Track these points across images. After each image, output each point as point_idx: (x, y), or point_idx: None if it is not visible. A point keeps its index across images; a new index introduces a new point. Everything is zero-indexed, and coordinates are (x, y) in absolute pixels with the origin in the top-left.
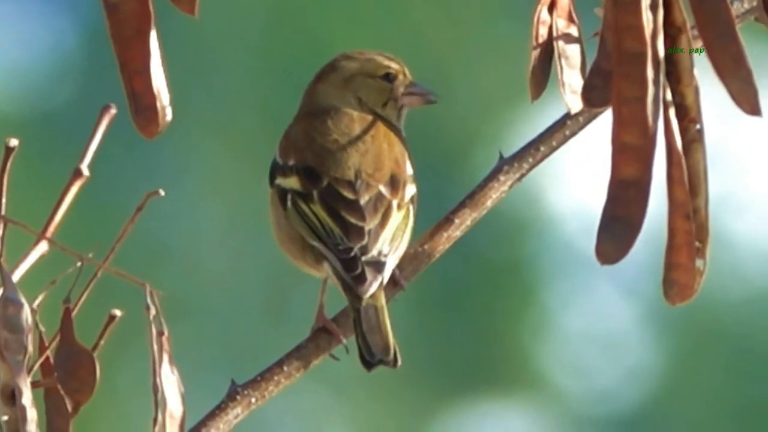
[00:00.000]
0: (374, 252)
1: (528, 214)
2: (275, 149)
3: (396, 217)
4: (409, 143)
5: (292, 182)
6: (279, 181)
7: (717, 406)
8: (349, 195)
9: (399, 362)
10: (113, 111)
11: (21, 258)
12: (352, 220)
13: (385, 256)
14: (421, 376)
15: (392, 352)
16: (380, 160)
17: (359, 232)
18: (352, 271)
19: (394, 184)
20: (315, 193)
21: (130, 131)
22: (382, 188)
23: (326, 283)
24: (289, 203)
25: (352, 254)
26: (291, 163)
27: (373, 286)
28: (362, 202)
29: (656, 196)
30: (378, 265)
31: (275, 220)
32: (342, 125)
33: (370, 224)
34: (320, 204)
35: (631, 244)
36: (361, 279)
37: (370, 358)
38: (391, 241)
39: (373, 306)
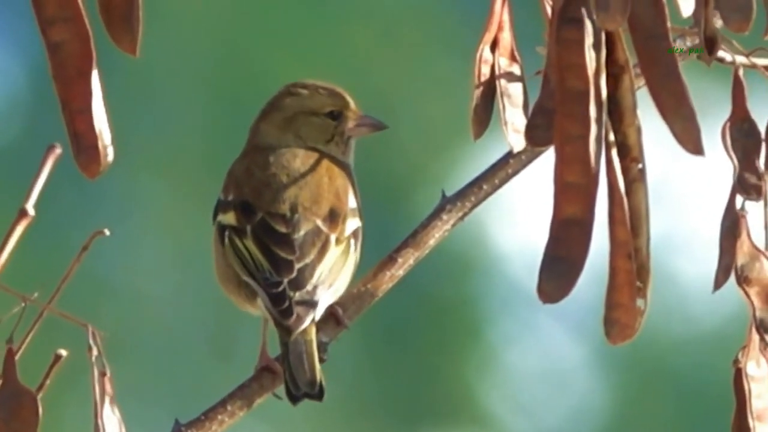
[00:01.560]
0: (309, 287)
1: (472, 253)
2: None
3: (334, 251)
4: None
5: (229, 218)
6: (220, 217)
7: None
8: (281, 229)
9: (324, 396)
10: (58, 151)
11: None
12: (282, 254)
13: (318, 292)
14: (367, 414)
15: (317, 385)
16: (319, 193)
17: (288, 266)
18: (279, 305)
19: (333, 217)
20: (248, 228)
21: (74, 169)
22: (320, 222)
23: (266, 324)
24: (226, 239)
25: (281, 288)
26: (230, 198)
27: (305, 321)
28: (296, 236)
29: (600, 235)
30: (311, 302)
31: (215, 258)
32: (283, 160)
33: (305, 259)
34: (252, 239)
35: (573, 284)
36: (287, 313)
37: (295, 391)
38: (327, 276)
39: (302, 340)
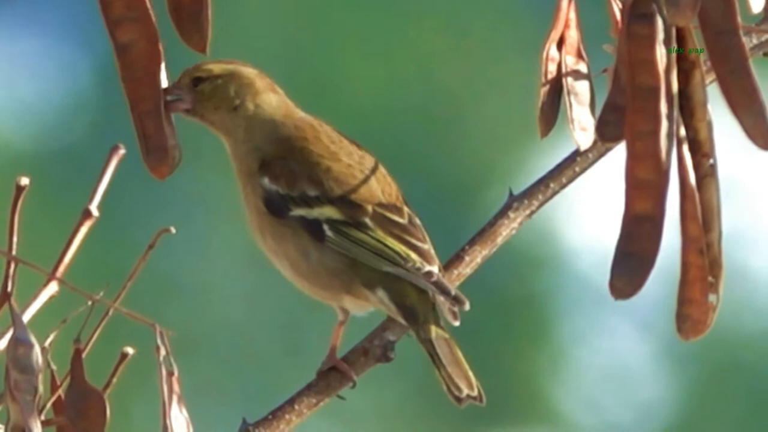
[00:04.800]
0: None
1: (540, 250)
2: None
3: None
4: (422, 179)
5: (328, 211)
6: (300, 212)
7: None
8: (398, 218)
9: (484, 398)
10: (122, 151)
11: (31, 298)
12: (419, 244)
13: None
14: (437, 411)
15: (476, 386)
16: (385, 178)
17: (429, 254)
18: (447, 293)
19: (406, 203)
20: (367, 221)
21: (140, 167)
22: (406, 208)
23: (343, 324)
24: (329, 232)
25: (435, 278)
26: (314, 193)
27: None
28: (410, 224)
29: (669, 230)
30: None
31: (300, 252)
32: (338, 144)
33: (430, 246)
34: (381, 230)
35: (645, 279)
36: (459, 299)
37: (458, 393)
38: None
39: (443, 339)
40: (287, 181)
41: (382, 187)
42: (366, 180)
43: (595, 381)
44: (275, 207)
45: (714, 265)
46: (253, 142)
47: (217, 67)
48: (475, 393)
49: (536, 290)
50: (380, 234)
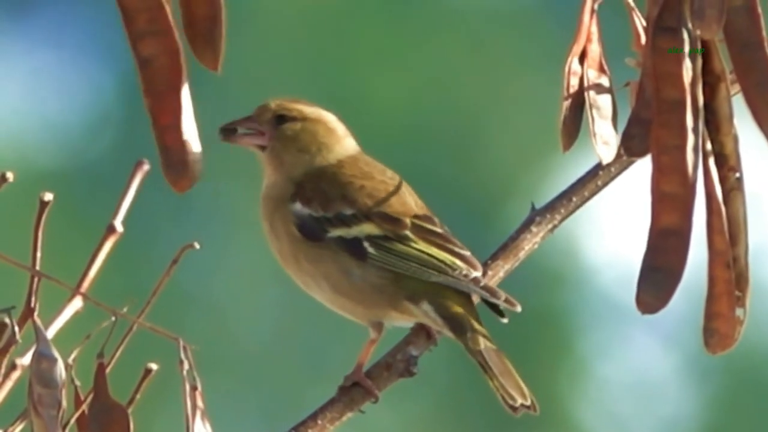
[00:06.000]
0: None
1: (563, 264)
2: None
3: None
4: (445, 193)
5: (367, 228)
6: (338, 232)
7: None
8: (437, 228)
9: (538, 408)
10: (146, 167)
11: (56, 314)
12: (461, 251)
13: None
14: (461, 422)
15: (528, 396)
16: (411, 192)
17: (472, 260)
18: (498, 297)
19: (434, 213)
20: (407, 233)
21: (162, 182)
22: (436, 219)
23: (374, 343)
24: (371, 249)
25: (482, 284)
26: (350, 212)
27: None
28: (448, 232)
29: (695, 245)
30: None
31: (342, 272)
32: (368, 166)
33: (467, 251)
34: (423, 241)
35: (672, 294)
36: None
37: (513, 402)
38: None
39: (493, 349)
40: (321, 203)
41: (414, 201)
42: (399, 193)
43: (617, 395)
44: (310, 231)
45: (741, 279)
46: (296, 175)
47: (306, 109)
48: (528, 402)
49: (558, 304)
50: (423, 245)
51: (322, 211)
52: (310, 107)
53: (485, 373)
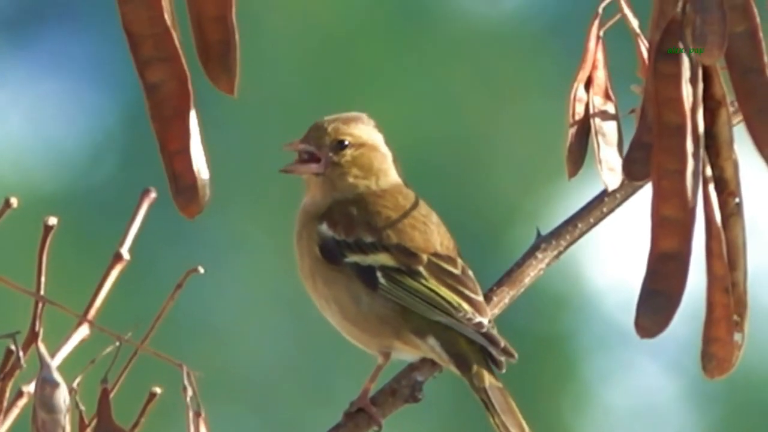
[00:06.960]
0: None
1: (567, 290)
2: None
3: None
4: (449, 219)
5: (382, 258)
6: (354, 258)
7: None
8: (454, 269)
9: None
10: (153, 195)
11: (63, 341)
12: (473, 295)
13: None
14: None
15: None
16: (444, 232)
17: (482, 306)
18: (497, 344)
19: (461, 255)
20: (421, 269)
21: (169, 207)
22: (461, 261)
23: (381, 369)
24: (382, 279)
25: (485, 329)
26: (370, 240)
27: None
28: (465, 276)
29: (694, 269)
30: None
31: (351, 298)
32: (400, 200)
33: (479, 296)
34: (435, 279)
35: (671, 318)
36: (508, 352)
37: None
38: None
39: (497, 387)
40: (345, 227)
41: (441, 240)
42: (425, 230)
43: (621, 420)
44: (330, 253)
45: (739, 304)
46: (339, 198)
47: (363, 135)
48: None
49: (562, 330)
50: (433, 283)
51: (344, 235)
52: (364, 129)
53: (487, 410)
